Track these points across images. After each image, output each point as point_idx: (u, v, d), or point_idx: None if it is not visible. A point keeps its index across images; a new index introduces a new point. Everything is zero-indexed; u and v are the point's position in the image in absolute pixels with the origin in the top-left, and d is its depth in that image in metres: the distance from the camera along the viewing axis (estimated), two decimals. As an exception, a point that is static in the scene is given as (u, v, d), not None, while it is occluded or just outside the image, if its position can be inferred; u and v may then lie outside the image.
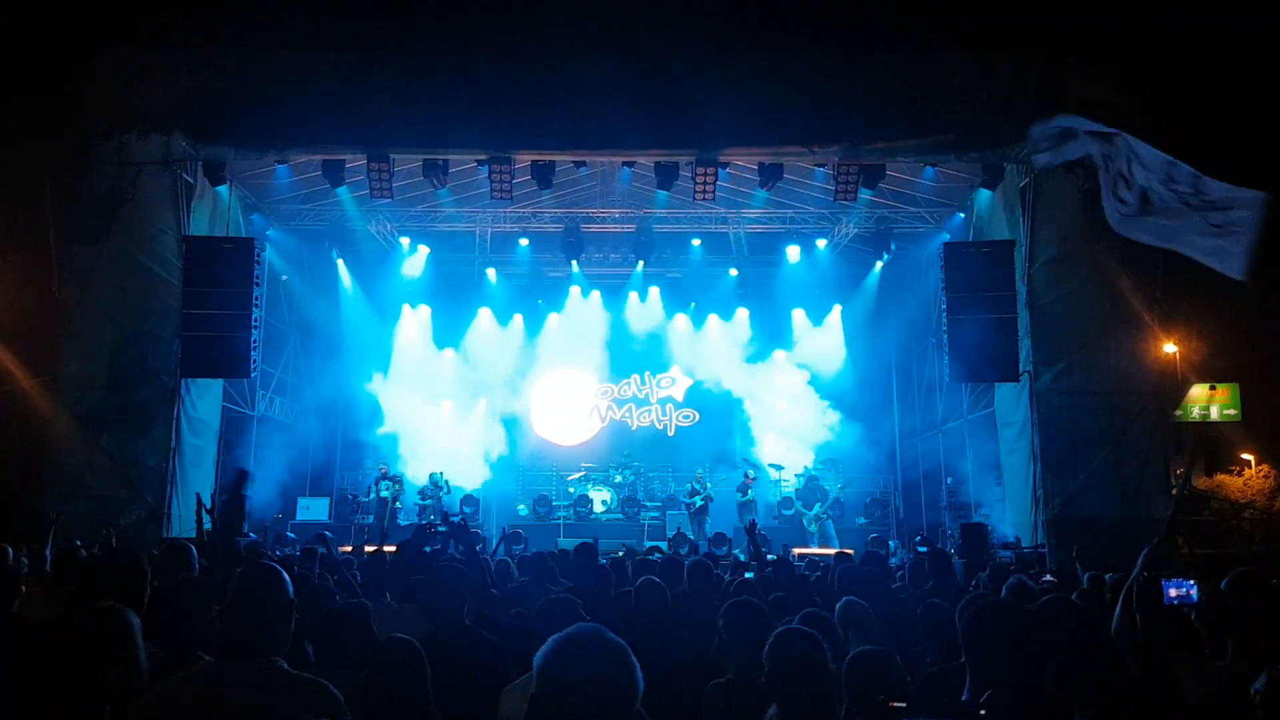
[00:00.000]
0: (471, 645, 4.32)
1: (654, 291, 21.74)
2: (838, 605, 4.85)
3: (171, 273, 14.32)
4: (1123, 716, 2.77)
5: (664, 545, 15.31)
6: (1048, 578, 8.67)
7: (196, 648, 3.47)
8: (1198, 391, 26.80)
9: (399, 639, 3.60)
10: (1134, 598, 3.63)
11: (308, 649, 4.29)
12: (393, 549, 8.45)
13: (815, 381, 20.86)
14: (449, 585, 4.69)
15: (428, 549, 7.57)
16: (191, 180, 14.66)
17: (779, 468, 19.69)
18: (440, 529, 8.68)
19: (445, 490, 18.47)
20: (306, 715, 2.66)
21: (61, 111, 13.66)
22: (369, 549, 12.00)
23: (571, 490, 20.08)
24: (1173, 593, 4.37)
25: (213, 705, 2.65)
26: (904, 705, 2.73)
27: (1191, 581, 4.37)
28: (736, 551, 14.98)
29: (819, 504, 18.22)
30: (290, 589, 2.93)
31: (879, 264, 19.14)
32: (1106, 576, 6.52)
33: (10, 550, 7.47)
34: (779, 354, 21.53)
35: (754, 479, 18.47)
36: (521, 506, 20.04)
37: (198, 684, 2.73)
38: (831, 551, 14.41)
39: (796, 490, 19.32)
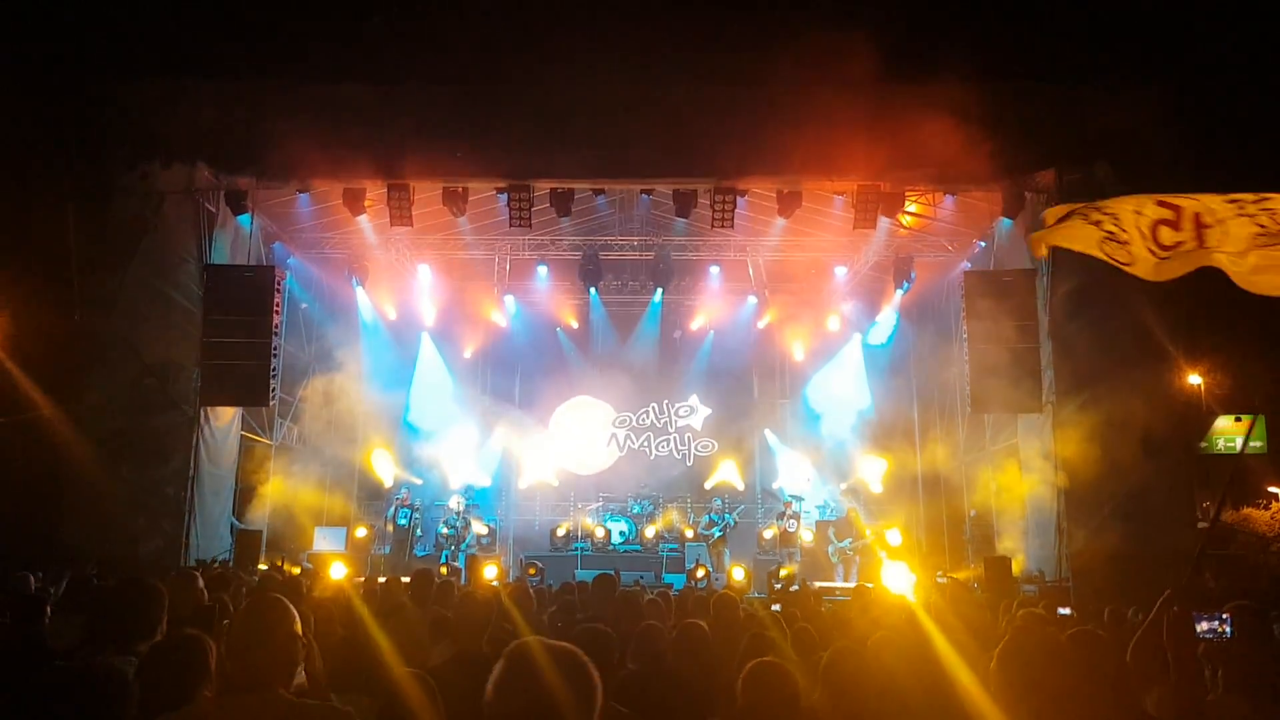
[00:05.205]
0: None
1: (673, 319, 21.70)
2: None
3: (193, 301, 14.39)
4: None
5: (682, 579, 15.19)
6: (1063, 610, 8.52)
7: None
8: (1224, 423, 26.38)
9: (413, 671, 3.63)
10: (1163, 634, 3.48)
11: None
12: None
13: (835, 411, 20.73)
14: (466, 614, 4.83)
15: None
16: (214, 209, 14.75)
17: (800, 498, 19.46)
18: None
19: (465, 523, 18.28)
20: None
21: (85, 140, 13.82)
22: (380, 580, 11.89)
23: (589, 520, 19.93)
24: (1203, 626, 4.16)
25: None
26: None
27: (1225, 615, 4.15)
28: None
29: (850, 539, 17.93)
30: (296, 619, 2.89)
31: (899, 293, 19.00)
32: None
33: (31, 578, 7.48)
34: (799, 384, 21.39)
35: (794, 508, 18.37)
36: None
37: None
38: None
39: (825, 520, 19.06)
